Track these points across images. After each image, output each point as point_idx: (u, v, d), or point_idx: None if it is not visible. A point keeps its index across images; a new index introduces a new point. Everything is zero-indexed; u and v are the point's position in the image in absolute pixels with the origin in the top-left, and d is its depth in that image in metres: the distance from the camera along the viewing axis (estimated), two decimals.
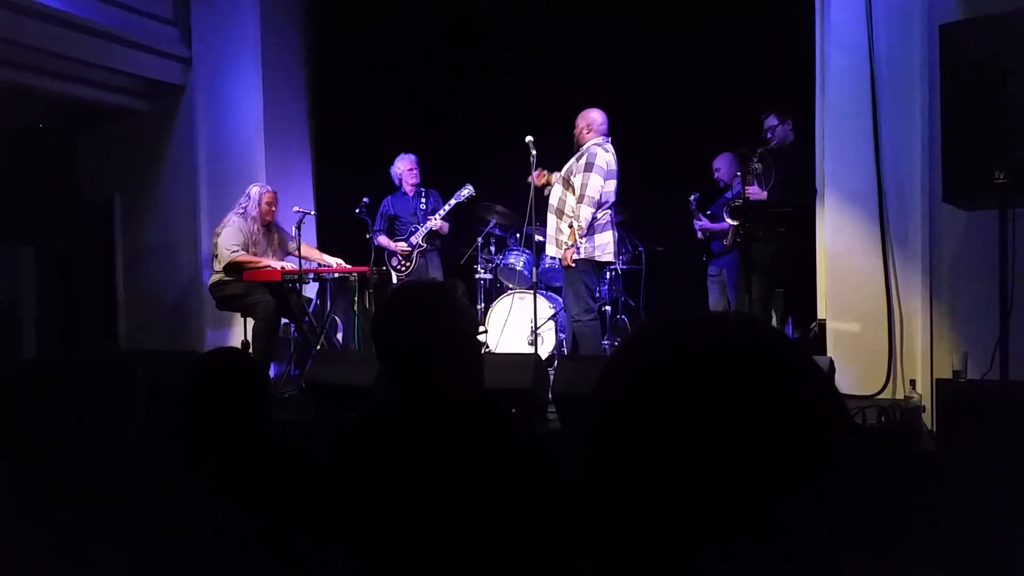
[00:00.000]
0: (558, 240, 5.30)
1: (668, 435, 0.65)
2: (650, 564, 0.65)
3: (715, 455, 0.63)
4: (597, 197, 5.07)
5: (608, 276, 6.62)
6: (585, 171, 5.09)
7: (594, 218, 5.13)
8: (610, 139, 5.26)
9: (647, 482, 0.65)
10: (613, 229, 5.26)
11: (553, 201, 5.35)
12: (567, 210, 5.22)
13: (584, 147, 5.20)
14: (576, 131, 5.29)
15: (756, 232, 5.15)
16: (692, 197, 6.10)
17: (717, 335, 0.70)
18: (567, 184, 5.24)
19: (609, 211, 5.25)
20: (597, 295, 5.52)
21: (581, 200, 5.08)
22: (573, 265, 5.14)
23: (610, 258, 5.25)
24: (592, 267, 5.22)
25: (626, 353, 0.73)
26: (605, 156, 5.10)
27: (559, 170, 5.39)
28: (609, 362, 0.73)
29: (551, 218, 5.37)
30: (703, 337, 0.70)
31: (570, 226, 5.14)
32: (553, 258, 5.58)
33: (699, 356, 0.67)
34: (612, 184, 5.19)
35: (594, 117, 5.22)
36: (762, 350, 0.68)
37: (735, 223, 5.16)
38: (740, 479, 0.63)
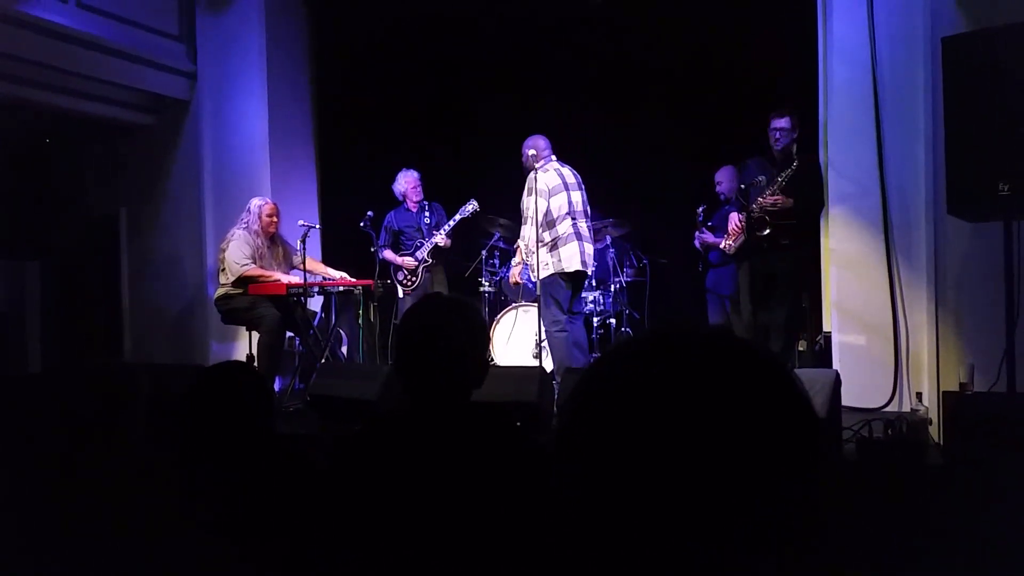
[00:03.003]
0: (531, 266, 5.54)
1: (628, 451, 0.65)
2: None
3: (676, 471, 0.63)
4: (539, 217, 5.33)
5: (612, 289, 6.63)
6: (526, 196, 5.39)
7: (556, 233, 5.37)
8: (553, 158, 5.50)
9: (603, 495, 0.65)
10: (579, 240, 5.42)
11: (521, 243, 5.59)
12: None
13: (528, 176, 5.45)
14: (523, 159, 5.52)
15: (761, 244, 5.13)
16: (700, 209, 6.10)
17: (688, 350, 0.70)
18: (523, 218, 5.50)
19: (572, 224, 5.41)
20: (576, 307, 5.71)
21: (524, 222, 5.41)
22: (521, 282, 5.53)
23: (578, 267, 5.39)
24: (560, 279, 5.40)
25: (594, 373, 0.73)
26: (543, 178, 5.39)
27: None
28: (580, 379, 0.74)
29: (518, 254, 5.68)
30: (671, 355, 0.70)
31: (517, 248, 5.46)
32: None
33: (665, 374, 0.68)
34: (561, 198, 5.39)
35: (539, 144, 5.50)
36: (731, 367, 0.69)
37: (762, 233, 5.10)
38: (702, 497, 0.63)
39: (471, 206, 6.30)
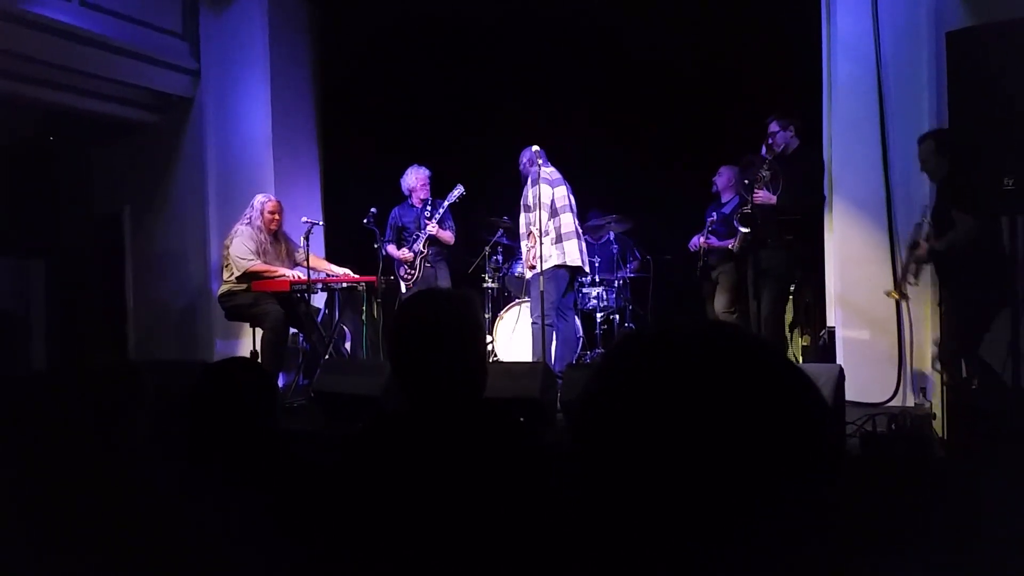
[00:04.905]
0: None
1: (642, 443, 0.65)
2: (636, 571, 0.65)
3: (691, 462, 0.63)
4: (548, 203, 5.55)
5: (616, 284, 6.64)
6: (531, 186, 5.62)
7: (559, 226, 5.54)
8: (549, 163, 5.69)
9: (619, 485, 0.65)
10: (579, 238, 5.63)
11: (522, 229, 5.76)
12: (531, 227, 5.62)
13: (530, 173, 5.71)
14: (520, 166, 5.78)
15: (765, 240, 5.13)
16: (710, 217, 6.07)
17: (695, 346, 0.70)
18: (526, 208, 5.69)
19: (574, 221, 5.59)
20: (570, 302, 5.85)
21: (536, 208, 5.54)
22: (535, 268, 5.52)
23: (577, 263, 5.59)
24: (558, 273, 5.54)
25: (607, 365, 0.73)
26: (545, 169, 5.64)
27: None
28: (593, 373, 0.73)
29: (524, 244, 5.77)
30: (679, 349, 0.70)
31: (530, 234, 5.59)
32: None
33: (675, 367, 0.68)
34: (562, 190, 5.61)
35: (535, 152, 5.67)
36: (738, 360, 0.68)
37: (746, 230, 5.12)
38: (715, 487, 0.63)
39: (458, 191, 6.32)
